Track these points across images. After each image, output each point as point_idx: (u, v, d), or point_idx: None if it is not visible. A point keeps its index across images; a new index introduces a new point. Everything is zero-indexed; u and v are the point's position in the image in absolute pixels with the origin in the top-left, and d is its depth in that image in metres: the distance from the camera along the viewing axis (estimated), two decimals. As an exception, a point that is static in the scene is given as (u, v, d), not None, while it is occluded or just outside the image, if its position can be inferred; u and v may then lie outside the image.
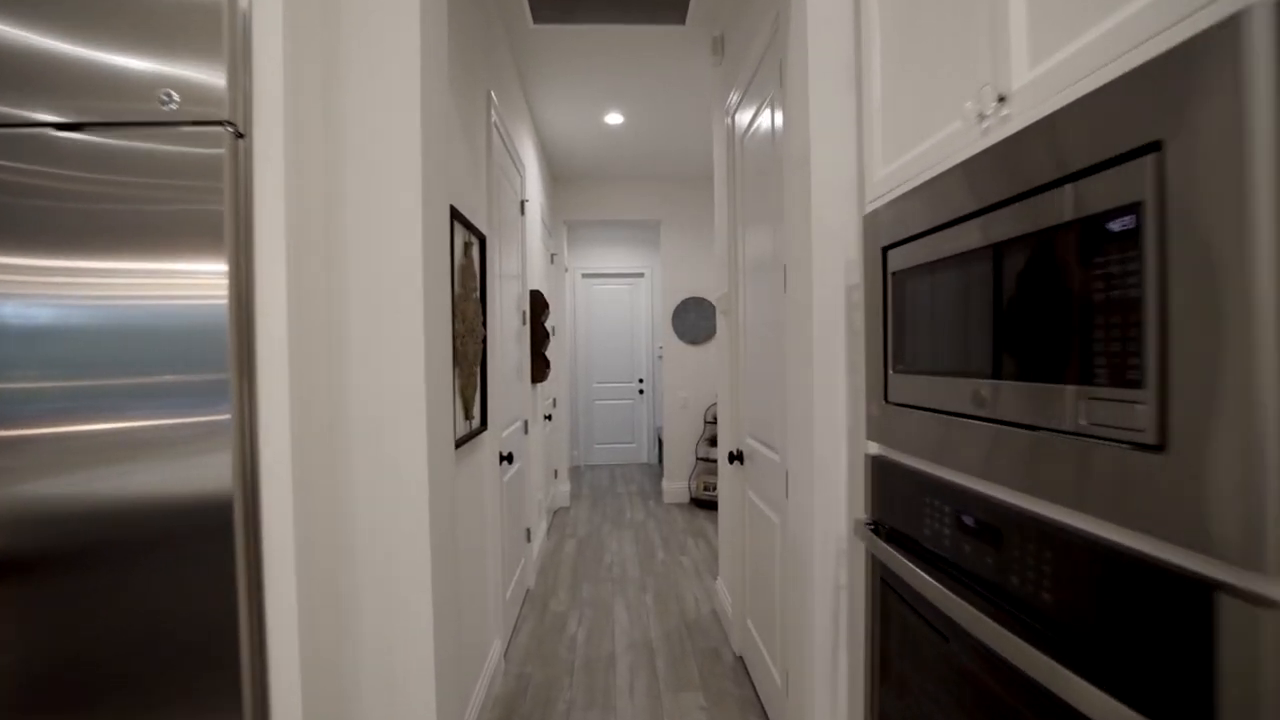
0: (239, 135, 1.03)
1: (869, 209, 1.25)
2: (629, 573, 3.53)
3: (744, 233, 2.34)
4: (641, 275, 7.01)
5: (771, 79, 1.83)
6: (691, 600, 3.11)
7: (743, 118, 2.31)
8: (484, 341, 2.11)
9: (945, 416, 0.93)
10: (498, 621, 2.38)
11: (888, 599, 1.12)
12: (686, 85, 3.37)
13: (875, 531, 1.15)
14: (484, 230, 2.20)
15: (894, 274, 1.08)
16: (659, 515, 4.80)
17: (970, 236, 0.83)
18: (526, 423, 3.23)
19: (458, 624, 1.62)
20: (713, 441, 5.03)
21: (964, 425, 0.87)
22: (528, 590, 3.26)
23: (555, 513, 4.93)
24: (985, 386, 0.81)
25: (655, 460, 7.05)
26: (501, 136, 2.61)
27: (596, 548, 4.00)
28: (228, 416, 1.00)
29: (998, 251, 0.77)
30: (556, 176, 5.05)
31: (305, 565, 1.11)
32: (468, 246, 1.88)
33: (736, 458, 2.40)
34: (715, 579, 3.34)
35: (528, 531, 3.25)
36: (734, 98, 2.42)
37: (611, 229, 6.89)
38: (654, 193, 5.12)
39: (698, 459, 5.12)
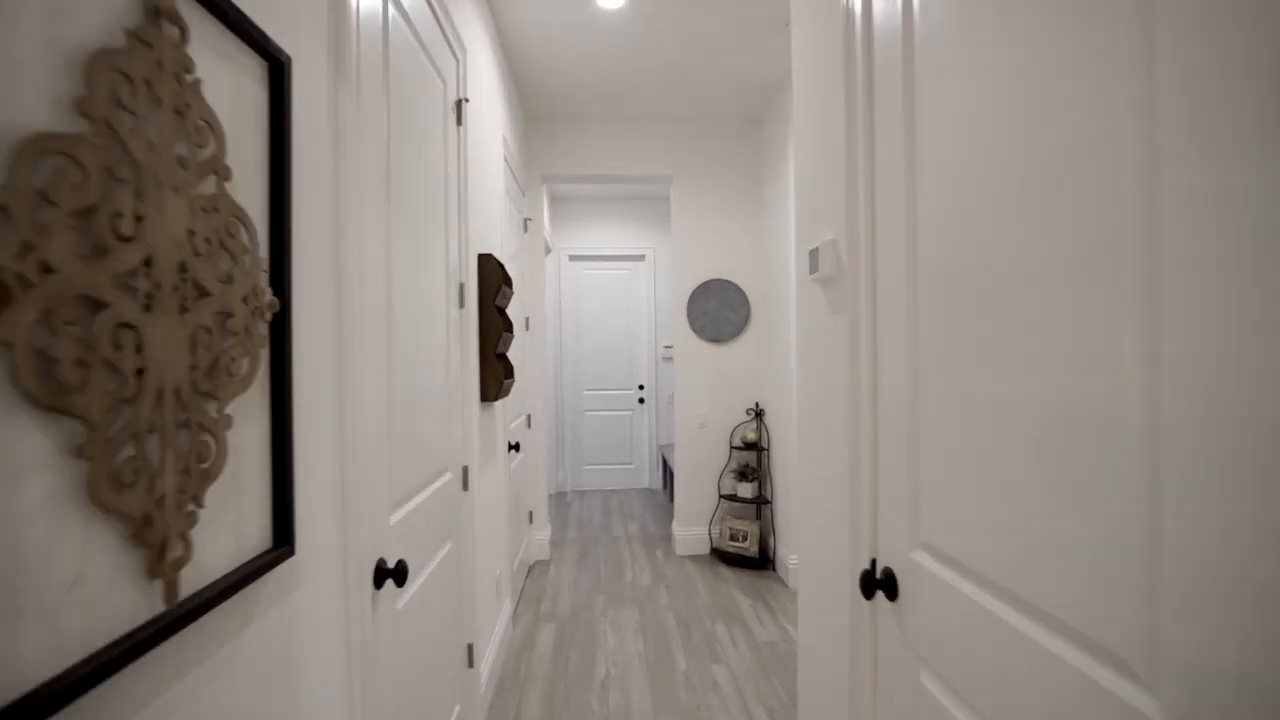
0: None
1: None
2: (634, 707, 2.23)
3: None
4: (642, 258, 5.72)
5: None
6: (745, 782, 1.82)
7: None
8: (279, 325, 0.81)
9: None
10: None
11: None
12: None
13: None
14: (287, 49, 0.89)
15: None
16: (671, 576, 3.51)
17: None
18: (466, 471, 1.93)
19: None
20: (743, 475, 3.74)
21: None
22: (468, 749, 1.96)
23: (531, 569, 3.64)
24: None
25: (660, 484, 5.76)
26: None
27: (584, 644, 2.70)
28: None
29: None
30: (532, 115, 3.75)
31: None
32: (175, 39, 0.59)
33: (879, 584, 1.11)
34: (778, 730, 2.05)
35: (469, 651, 1.95)
36: None
37: (605, 200, 5.59)
38: (663, 138, 3.83)
39: (721, 497, 3.84)
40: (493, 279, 2.23)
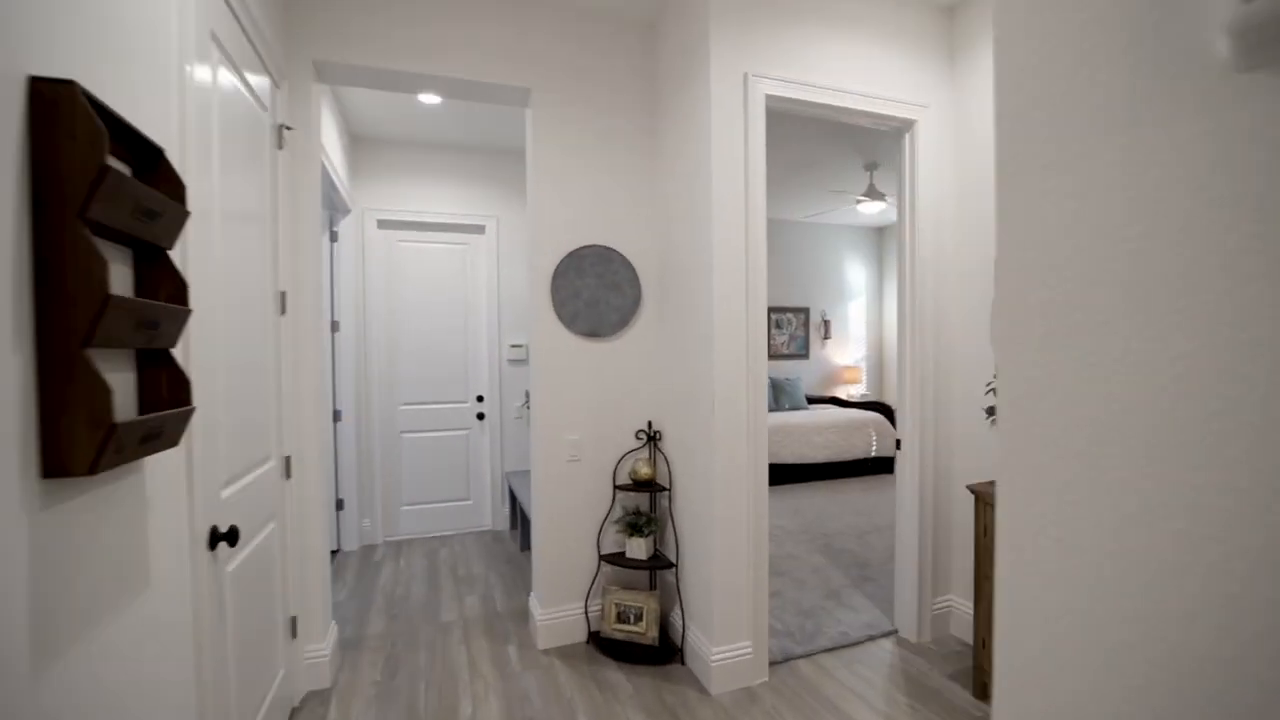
0: None
1: None
2: None
3: None
4: (481, 230, 4.37)
5: None
6: None
7: None
8: None
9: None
10: None
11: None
12: None
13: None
14: None
15: None
16: (533, 698, 2.26)
17: None
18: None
19: None
20: (634, 526, 2.61)
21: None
22: None
23: (297, 713, 2.17)
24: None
25: (506, 524, 4.44)
26: None
27: None
28: None
29: None
30: (296, -40, 2.27)
31: None
32: None
33: None
34: None
35: None
36: None
37: (432, 149, 4.14)
38: (517, 29, 2.57)
39: (602, 559, 2.66)
40: (81, 151, 0.84)
